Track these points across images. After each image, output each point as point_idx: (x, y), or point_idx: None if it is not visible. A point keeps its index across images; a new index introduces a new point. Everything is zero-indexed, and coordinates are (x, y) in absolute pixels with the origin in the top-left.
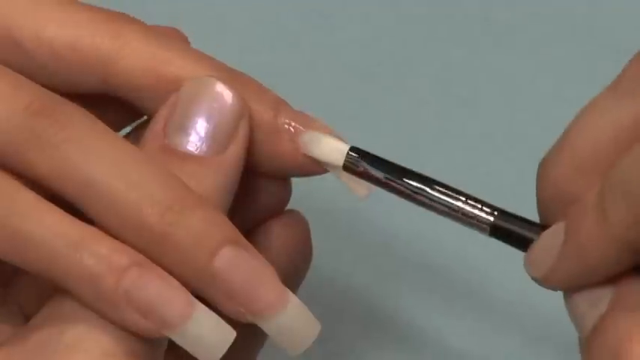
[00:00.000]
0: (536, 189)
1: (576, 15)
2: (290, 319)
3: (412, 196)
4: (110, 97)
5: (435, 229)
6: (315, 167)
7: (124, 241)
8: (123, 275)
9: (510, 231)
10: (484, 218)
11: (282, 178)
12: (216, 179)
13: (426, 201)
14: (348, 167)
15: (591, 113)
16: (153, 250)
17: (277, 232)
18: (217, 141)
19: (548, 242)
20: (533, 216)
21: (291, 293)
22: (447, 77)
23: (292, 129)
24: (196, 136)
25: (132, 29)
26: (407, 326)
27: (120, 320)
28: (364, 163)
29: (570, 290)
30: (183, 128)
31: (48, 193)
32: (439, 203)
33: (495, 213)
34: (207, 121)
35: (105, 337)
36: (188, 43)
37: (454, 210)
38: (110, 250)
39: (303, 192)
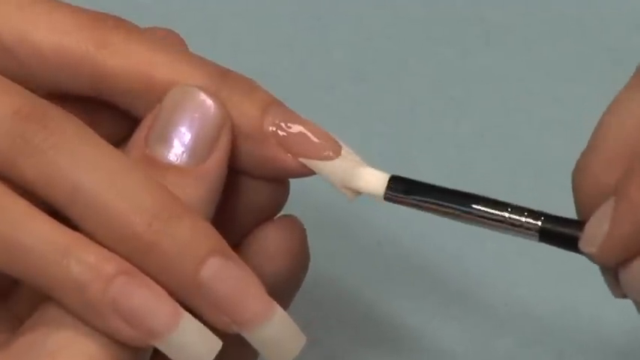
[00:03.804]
0: (574, 190)
1: (568, 15)
2: (275, 330)
3: (457, 215)
4: (107, 102)
5: (429, 230)
6: (304, 170)
7: (111, 249)
8: (110, 283)
9: (559, 233)
10: (531, 225)
11: (273, 181)
12: (198, 189)
13: (472, 217)
14: (390, 197)
15: (618, 107)
16: (140, 259)
17: (272, 236)
18: (198, 151)
19: (601, 215)
20: None
21: (277, 305)
22: (440, 77)
23: (281, 132)
24: (177, 146)
25: (119, 32)
26: (401, 328)
27: (106, 328)
28: (404, 190)
29: (629, 258)
30: (164, 138)
31: (37, 200)
32: (484, 217)
33: (542, 218)
34: (188, 131)
35: (90, 343)
36: (184, 43)
37: (500, 222)
38: (97, 258)
39: (296, 193)
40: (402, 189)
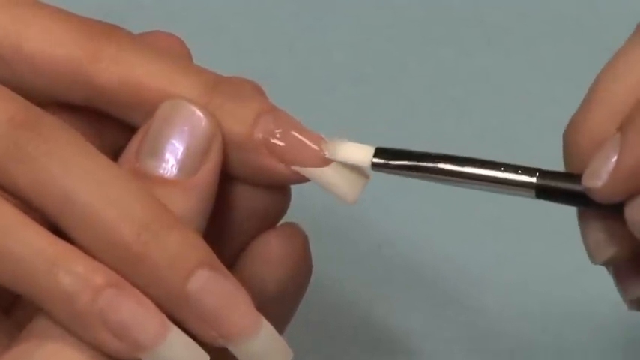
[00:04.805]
0: (568, 146)
1: (568, 15)
2: (262, 345)
3: (448, 179)
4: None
5: (427, 234)
6: (298, 177)
7: (100, 259)
8: (98, 295)
9: (555, 188)
10: (527, 182)
11: (272, 187)
12: (188, 202)
13: (465, 181)
14: (377, 164)
15: (620, 61)
16: (128, 270)
17: (274, 244)
18: (188, 164)
19: (607, 149)
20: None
21: (264, 319)
22: (440, 78)
23: (273, 139)
24: (167, 160)
25: (111, 44)
26: (400, 331)
27: (93, 340)
28: (391, 158)
29: (636, 191)
30: (155, 152)
31: (32, 209)
32: (478, 179)
33: (537, 174)
34: (178, 144)
35: (77, 355)
36: (184, 46)
37: (495, 182)
38: (86, 269)
39: (295, 197)
40: (389, 157)
